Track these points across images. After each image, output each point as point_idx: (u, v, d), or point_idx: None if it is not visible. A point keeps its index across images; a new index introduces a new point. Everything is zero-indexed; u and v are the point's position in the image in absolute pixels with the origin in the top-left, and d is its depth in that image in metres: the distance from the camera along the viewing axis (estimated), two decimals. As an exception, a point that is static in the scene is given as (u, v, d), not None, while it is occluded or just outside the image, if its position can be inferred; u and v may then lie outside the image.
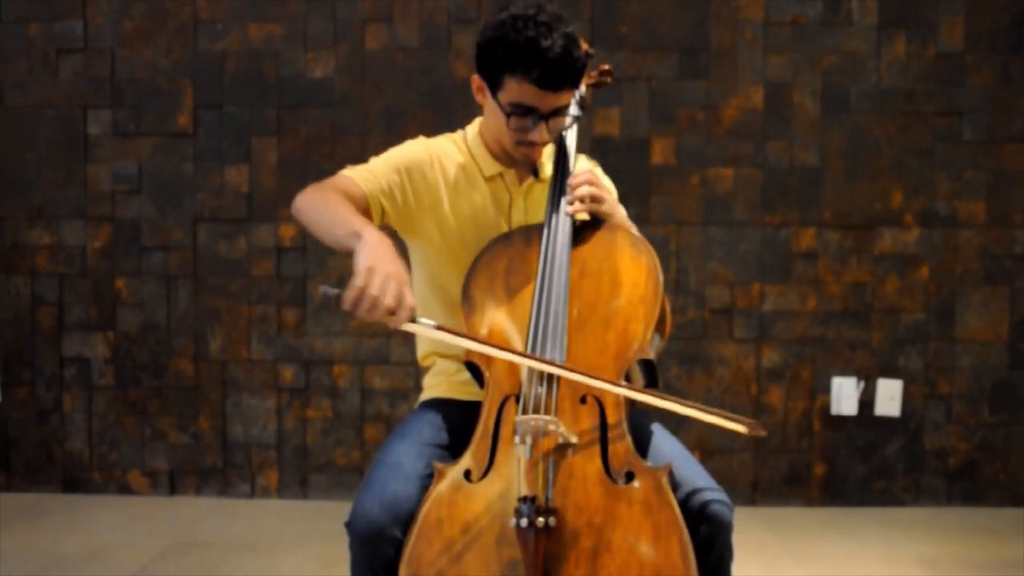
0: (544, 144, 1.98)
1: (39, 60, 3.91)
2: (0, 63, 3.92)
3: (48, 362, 3.97)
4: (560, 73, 1.85)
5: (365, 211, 1.92)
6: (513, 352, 1.75)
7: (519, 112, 1.90)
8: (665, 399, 1.71)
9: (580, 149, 2.16)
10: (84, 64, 3.91)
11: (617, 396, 1.74)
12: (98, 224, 3.94)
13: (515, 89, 1.88)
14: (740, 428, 1.69)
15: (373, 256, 1.61)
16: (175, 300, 3.95)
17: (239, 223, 3.93)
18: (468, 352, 1.81)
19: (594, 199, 1.93)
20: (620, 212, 2.00)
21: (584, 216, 1.94)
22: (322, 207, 1.81)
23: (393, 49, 3.90)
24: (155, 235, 3.94)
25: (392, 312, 1.58)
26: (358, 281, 1.57)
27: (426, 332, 1.64)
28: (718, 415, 1.70)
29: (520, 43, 1.84)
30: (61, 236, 3.95)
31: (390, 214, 1.98)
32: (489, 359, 1.79)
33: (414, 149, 2.04)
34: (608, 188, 2.14)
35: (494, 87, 1.92)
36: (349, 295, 1.57)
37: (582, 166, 2.12)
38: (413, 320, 1.61)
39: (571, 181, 1.96)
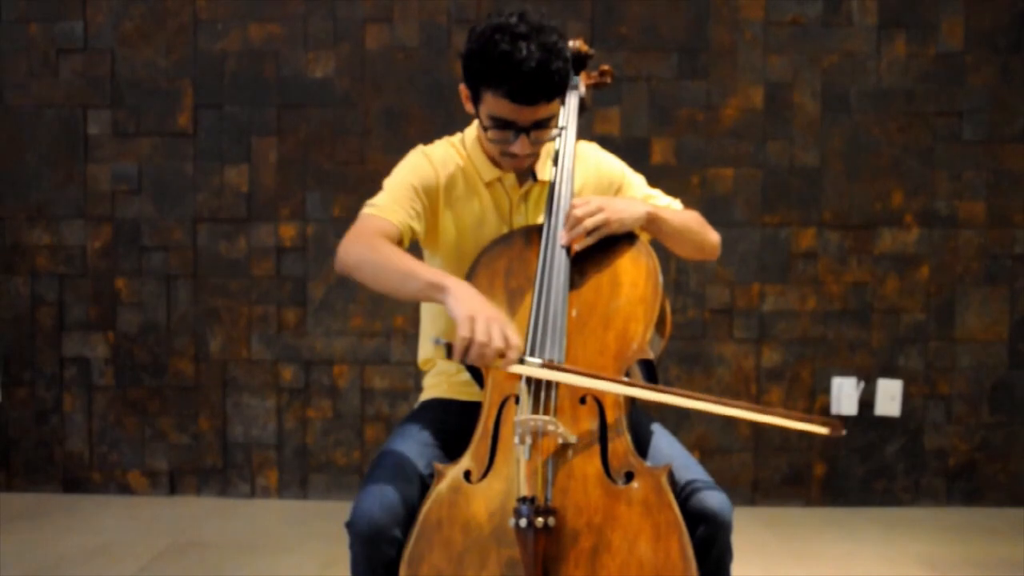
0: (528, 156, 1.94)
1: (39, 60, 3.91)
2: (0, 63, 3.92)
3: (48, 362, 3.97)
4: (534, 87, 1.80)
5: (399, 242, 1.90)
6: (629, 385, 1.73)
7: (497, 125, 1.87)
8: (739, 407, 1.71)
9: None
10: (84, 64, 3.91)
11: (617, 396, 1.74)
12: (98, 224, 3.94)
13: (491, 102, 1.84)
14: (822, 430, 1.68)
15: (469, 304, 1.65)
16: (175, 300, 3.95)
17: (239, 223, 3.93)
18: None
19: (597, 228, 1.87)
20: (628, 212, 1.92)
21: (594, 236, 1.88)
22: (380, 263, 1.79)
23: (393, 49, 3.90)
24: (155, 235, 3.94)
25: (502, 354, 1.63)
26: (463, 331, 1.62)
27: (534, 372, 1.68)
28: (797, 419, 1.69)
29: (494, 57, 1.79)
30: (61, 236, 3.95)
31: (420, 235, 1.98)
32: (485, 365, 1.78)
33: (420, 164, 2.02)
34: (618, 171, 2.11)
35: (475, 99, 1.90)
36: (459, 346, 1.62)
37: (583, 153, 2.10)
38: (522, 361, 1.66)
39: (563, 238, 1.87)
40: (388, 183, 1.99)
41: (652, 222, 1.95)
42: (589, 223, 1.87)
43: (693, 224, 2.06)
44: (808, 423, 1.69)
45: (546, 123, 1.89)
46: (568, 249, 1.87)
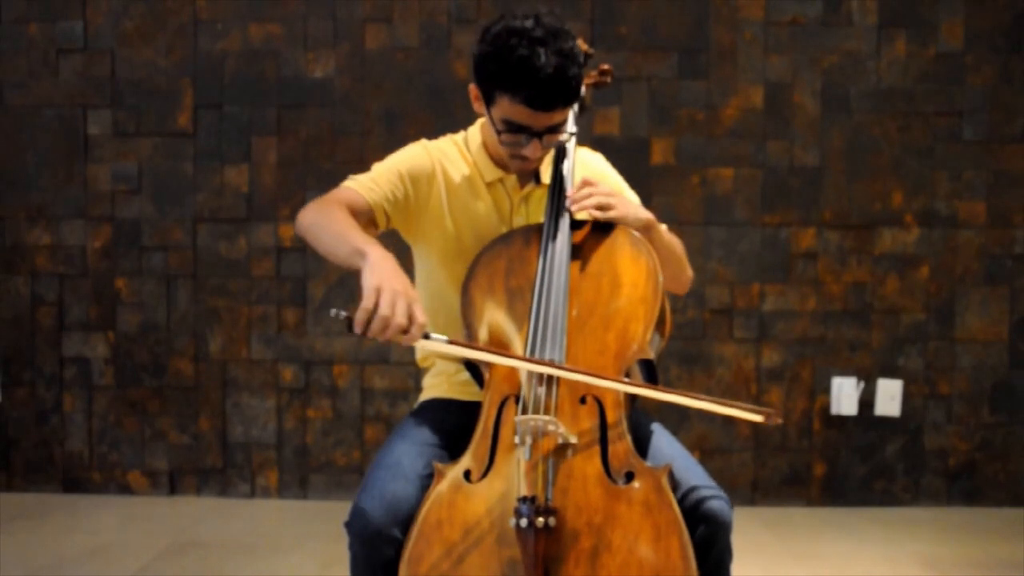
0: (539, 159, 1.95)
1: (39, 60, 3.91)
2: (0, 63, 3.92)
3: (48, 362, 3.97)
4: (552, 94, 1.80)
5: (371, 220, 1.91)
6: (533, 361, 1.72)
7: (511, 129, 1.87)
8: (677, 394, 1.72)
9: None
10: (84, 64, 3.91)
11: (617, 396, 1.73)
12: (98, 224, 3.94)
13: (507, 107, 1.84)
14: (756, 418, 1.69)
15: (379, 275, 1.60)
16: (175, 300, 3.95)
17: (239, 223, 3.93)
18: None
19: (600, 207, 1.89)
20: (633, 208, 1.94)
21: (596, 215, 1.89)
22: (325, 225, 1.78)
23: (393, 49, 3.90)
24: (155, 235, 3.94)
25: (404, 330, 1.57)
26: (367, 302, 1.57)
27: (439, 348, 1.65)
28: (732, 406, 1.69)
29: (511, 62, 1.79)
30: (61, 236, 3.95)
31: (395, 219, 1.97)
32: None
33: (416, 153, 2.03)
34: (614, 182, 2.13)
35: (487, 101, 1.89)
36: (359, 317, 1.57)
37: (584, 160, 2.11)
38: (426, 336, 1.61)
39: (570, 196, 1.91)
40: (376, 165, 2.01)
41: (649, 230, 1.96)
42: (599, 197, 1.88)
43: (679, 251, 2.07)
44: (743, 411, 1.69)
45: (559, 127, 1.89)
46: (569, 213, 1.89)
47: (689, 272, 2.12)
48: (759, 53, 3.89)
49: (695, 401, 1.72)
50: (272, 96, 3.91)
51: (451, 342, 1.65)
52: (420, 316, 1.59)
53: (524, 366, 1.73)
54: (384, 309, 1.56)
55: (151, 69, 3.91)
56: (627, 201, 1.96)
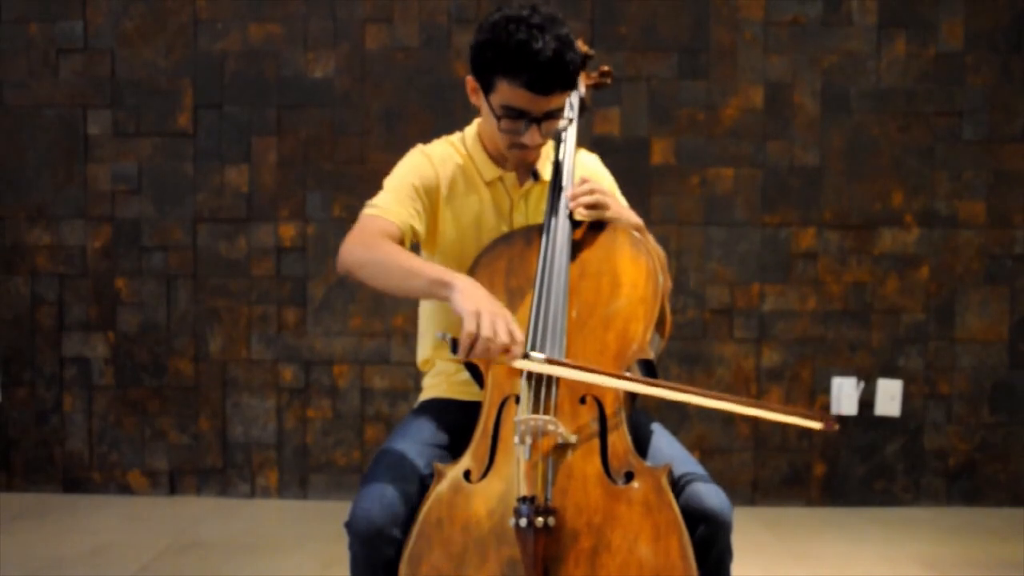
0: (537, 147, 1.96)
1: (39, 60, 3.91)
2: (0, 63, 3.92)
3: (48, 362, 3.97)
4: (551, 77, 1.83)
5: (400, 242, 1.92)
6: (624, 378, 1.73)
7: (510, 115, 1.89)
8: (728, 400, 1.72)
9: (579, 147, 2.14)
10: (84, 64, 3.91)
11: (616, 396, 1.74)
12: (98, 224, 3.94)
13: (506, 92, 1.86)
14: (815, 425, 1.69)
15: (474, 299, 1.67)
16: (175, 300, 3.95)
17: (239, 223, 3.93)
18: None
19: (597, 206, 1.91)
20: (626, 212, 1.98)
21: (591, 214, 1.92)
22: (383, 261, 1.80)
23: (393, 49, 3.90)
24: (155, 235, 3.94)
25: (507, 349, 1.64)
26: (469, 327, 1.63)
27: (538, 367, 1.69)
28: (788, 412, 1.70)
29: (511, 46, 1.82)
30: (61, 236, 3.95)
31: (421, 234, 1.98)
32: (488, 360, 1.78)
33: (420, 163, 2.03)
34: (609, 185, 2.13)
35: (486, 89, 1.91)
36: (464, 341, 1.63)
37: (582, 161, 2.11)
38: (526, 356, 1.67)
39: (570, 193, 1.93)
40: (388, 183, 1.99)
41: (642, 233, 1.97)
42: (598, 196, 1.91)
43: (663, 261, 2.05)
44: (802, 417, 1.69)
45: (556, 114, 1.91)
46: (572, 221, 1.91)
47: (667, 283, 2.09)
48: (759, 53, 3.89)
49: (749, 408, 1.71)
50: (272, 96, 3.91)
51: (549, 360, 1.69)
52: (519, 334, 1.65)
53: (638, 389, 1.73)
54: (486, 331, 1.62)
55: (151, 69, 3.91)
56: (618, 203, 1.99)
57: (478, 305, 1.65)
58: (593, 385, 1.73)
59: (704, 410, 3.92)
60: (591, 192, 1.92)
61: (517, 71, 1.82)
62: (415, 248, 2.02)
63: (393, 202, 1.94)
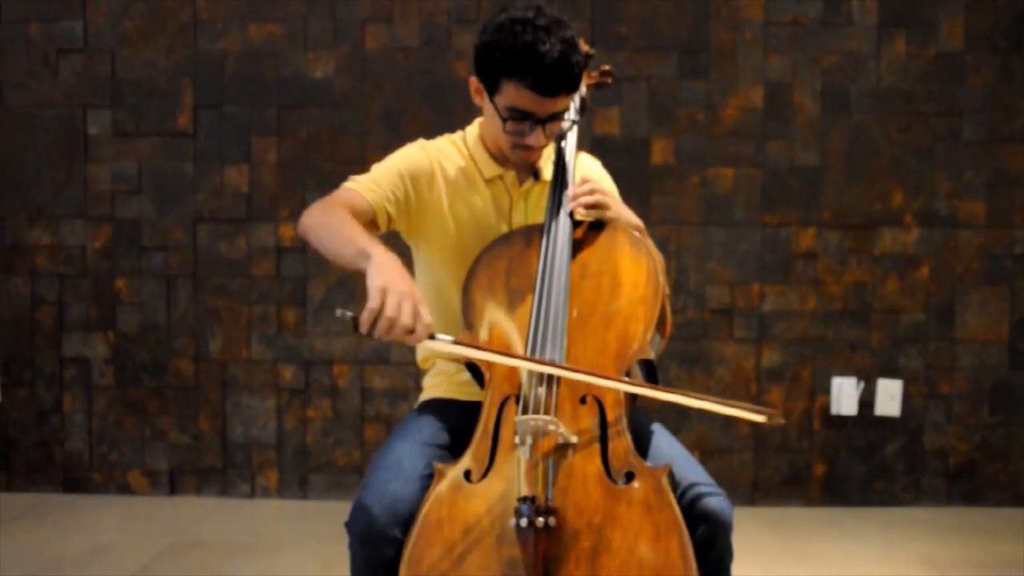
0: (541, 148, 1.97)
1: (39, 60, 3.91)
2: (0, 63, 3.92)
3: (48, 362, 3.97)
4: (557, 79, 1.83)
5: (372, 221, 1.93)
6: (537, 362, 1.73)
7: (516, 116, 1.89)
8: (679, 393, 1.71)
9: (580, 149, 2.15)
10: (84, 64, 3.91)
11: (617, 396, 1.74)
12: (98, 224, 3.94)
13: (512, 94, 1.87)
14: (758, 418, 1.68)
15: (385, 276, 1.62)
16: (175, 300, 3.95)
17: (239, 223, 3.93)
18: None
19: (598, 206, 1.92)
20: (626, 213, 1.98)
21: (591, 214, 1.93)
22: (329, 227, 1.80)
23: (393, 49, 3.90)
24: (155, 235, 3.94)
25: (410, 331, 1.59)
26: (372, 303, 1.58)
27: (445, 348, 1.66)
28: (733, 406, 1.69)
29: (517, 48, 1.82)
30: (61, 236, 3.95)
31: (396, 220, 1.98)
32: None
33: (414, 153, 2.04)
34: (609, 188, 2.14)
35: (491, 90, 1.91)
36: (365, 317, 1.58)
37: (583, 163, 2.12)
38: (432, 337, 1.62)
39: (571, 192, 1.94)
40: (376, 166, 2.02)
41: (642, 234, 1.97)
42: (599, 196, 1.91)
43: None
44: (745, 411, 1.68)
45: (561, 115, 1.92)
46: (573, 221, 1.92)
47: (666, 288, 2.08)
48: (759, 53, 3.89)
49: (696, 401, 1.72)
50: (272, 96, 3.91)
51: (456, 342, 1.65)
52: (426, 316, 1.61)
53: (525, 366, 1.73)
54: (390, 310, 1.58)
55: (151, 69, 3.91)
56: (619, 203, 1.99)
57: (385, 282, 1.60)
58: (593, 385, 1.73)
59: (704, 410, 3.91)
60: (592, 192, 1.92)
61: (523, 73, 1.83)
62: (394, 236, 2.03)
63: (371, 181, 1.97)
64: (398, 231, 2.03)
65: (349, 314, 1.58)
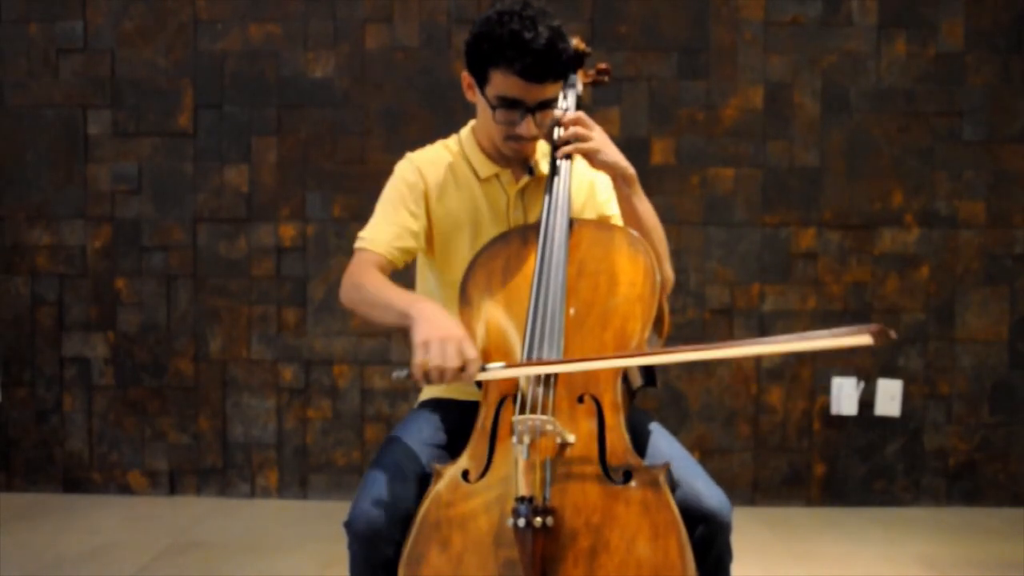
0: (532, 138, 1.97)
1: (39, 60, 3.92)
2: (0, 63, 3.92)
3: (48, 362, 3.97)
4: (544, 65, 1.86)
5: (393, 268, 1.97)
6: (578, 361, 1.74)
7: (505, 105, 1.91)
8: (769, 343, 1.68)
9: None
10: (84, 64, 3.91)
11: (615, 395, 1.73)
12: (98, 224, 3.94)
13: (500, 82, 1.89)
14: (865, 340, 1.48)
15: (424, 329, 1.68)
16: (175, 300, 3.95)
17: (239, 223, 3.93)
18: None
19: (578, 137, 1.94)
20: (613, 151, 1.96)
21: (567, 149, 1.94)
22: (368, 302, 1.85)
23: (393, 49, 3.90)
24: (155, 235, 3.94)
25: (461, 370, 1.65)
26: (417, 358, 1.65)
27: (502, 375, 1.71)
28: (829, 337, 1.54)
29: (504, 36, 1.85)
30: (61, 236, 3.95)
31: (413, 248, 2.01)
32: (488, 359, 1.79)
33: (404, 172, 2.05)
34: (609, 191, 2.13)
35: (481, 81, 1.93)
36: (416, 373, 1.65)
37: (579, 168, 2.11)
38: (483, 369, 1.69)
39: (562, 120, 1.97)
40: (378, 205, 2.03)
41: (631, 184, 1.98)
42: (579, 129, 1.94)
43: (662, 235, 2.03)
44: (847, 336, 1.51)
45: (550, 104, 1.94)
46: (570, 220, 1.93)
47: (669, 271, 2.03)
48: (759, 53, 3.89)
49: (793, 345, 1.64)
50: (272, 96, 3.91)
51: (508, 366, 1.71)
52: (471, 353, 1.66)
53: (581, 368, 1.74)
54: (435, 359, 1.64)
55: (151, 69, 3.91)
56: (612, 145, 1.98)
57: (427, 335, 1.66)
58: (591, 384, 1.74)
59: (704, 410, 3.92)
60: (575, 121, 1.95)
61: (511, 60, 1.85)
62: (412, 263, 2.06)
63: (378, 230, 1.98)
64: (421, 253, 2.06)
65: (404, 374, 1.67)
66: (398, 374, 1.68)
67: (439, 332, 1.66)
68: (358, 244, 1.98)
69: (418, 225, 2.00)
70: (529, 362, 1.74)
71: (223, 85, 3.91)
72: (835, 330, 1.54)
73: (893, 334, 1.50)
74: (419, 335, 1.67)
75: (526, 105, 1.90)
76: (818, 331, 1.59)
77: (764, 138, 3.91)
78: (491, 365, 1.70)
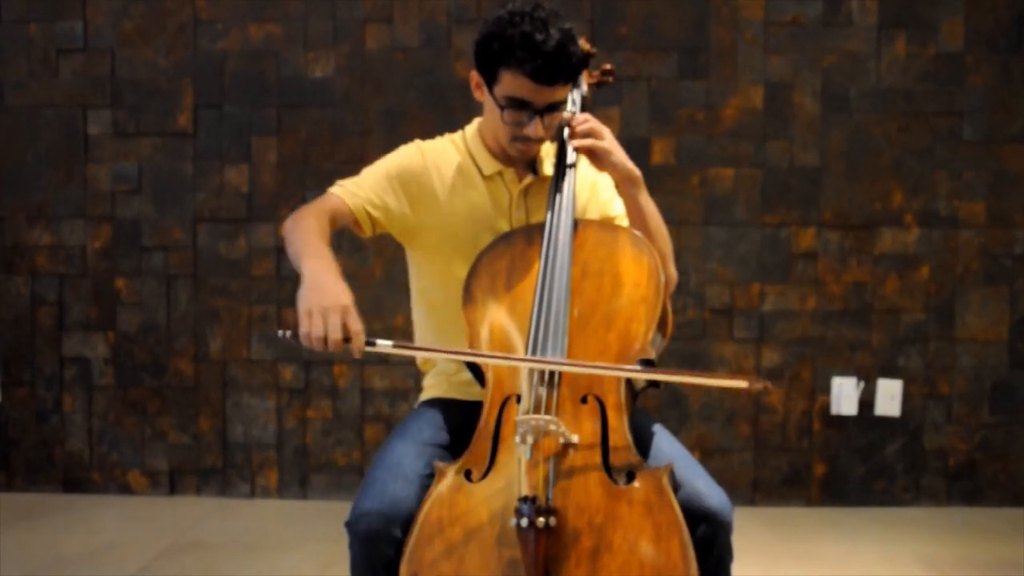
0: (540, 141, 1.97)
1: (39, 60, 3.91)
2: (0, 63, 3.92)
3: (48, 362, 3.97)
4: (554, 67, 1.85)
5: (355, 225, 1.96)
6: (460, 353, 1.78)
7: (514, 106, 1.90)
8: (656, 373, 1.74)
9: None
10: (84, 64, 3.91)
11: (618, 396, 1.74)
12: (98, 224, 3.94)
13: (510, 82, 1.88)
14: (740, 384, 1.66)
15: (309, 296, 1.66)
16: (175, 300, 3.95)
17: (239, 223, 3.93)
18: None
19: (592, 133, 1.93)
20: (622, 154, 1.96)
21: (584, 143, 1.94)
22: (294, 239, 1.84)
23: (393, 49, 3.90)
24: (155, 235, 3.94)
25: (346, 340, 1.63)
26: (302, 328, 1.63)
27: (387, 351, 1.69)
28: (713, 376, 1.71)
29: (515, 37, 1.85)
30: (61, 236, 3.95)
31: (383, 224, 2.00)
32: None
33: (408, 154, 2.05)
34: (610, 192, 2.13)
35: (490, 82, 1.93)
36: (302, 341, 1.63)
37: (584, 162, 2.11)
38: (371, 344, 1.66)
39: (572, 121, 1.97)
40: (368, 168, 2.03)
41: (637, 186, 1.97)
42: (592, 123, 1.94)
43: (666, 235, 2.03)
44: (724, 380, 1.72)
45: (559, 106, 1.94)
46: (574, 220, 1.92)
47: (673, 270, 2.03)
48: (759, 53, 3.89)
49: (676, 377, 1.72)
50: (272, 96, 3.91)
51: (397, 345, 1.70)
52: (355, 325, 1.64)
53: (458, 358, 1.79)
54: (317, 329, 1.61)
55: (151, 69, 3.91)
56: (621, 150, 1.98)
57: (310, 303, 1.64)
58: (594, 385, 1.74)
59: (704, 410, 3.92)
60: (587, 120, 1.95)
61: (521, 61, 1.85)
62: (388, 238, 2.05)
63: (354, 184, 1.98)
64: (390, 233, 2.04)
65: (289, 334, 1.64)
66: (283, 335, 1.65)
67: (323, 301, 1.64)
68: (332, 188, 1.98)
69: (397, 208, 1.99)
70: (412, 346, 1.76)
71: (223, 85, 3.91)
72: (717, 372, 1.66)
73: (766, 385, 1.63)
74: (303, 303, 1.65)
75: (535, 107, 1.90)
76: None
77: (764, 138, 3.91)
78: (380, 341, 1.67)
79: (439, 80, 3.88)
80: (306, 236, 1.81)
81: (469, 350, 1.82)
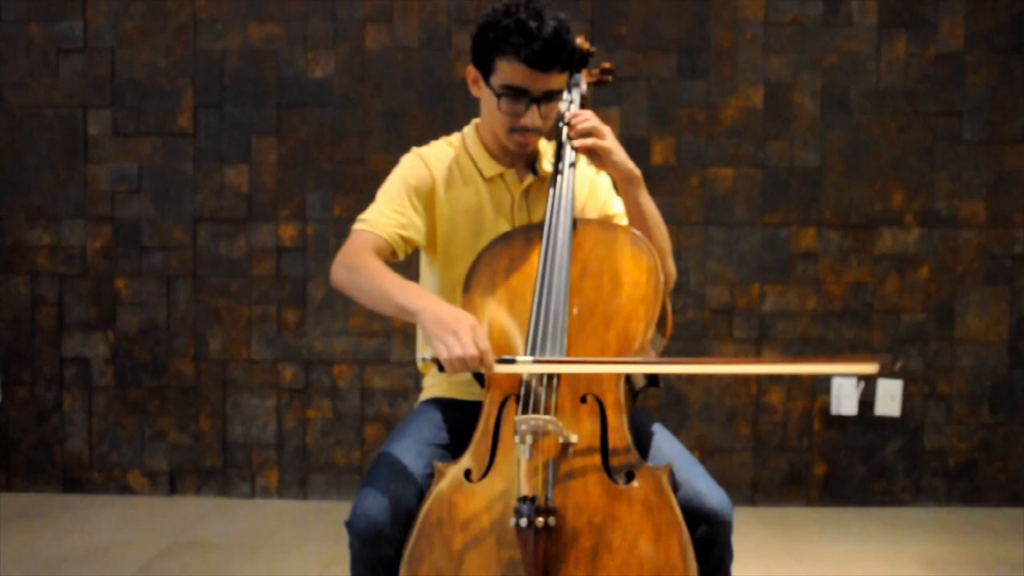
0: (536, 131, 1.97)
1: (39, 60, 3.91)
2: (0, 63, 3.92)
3: (48, 362, 3.97)
4: (550, 53, 1.87)
5: (391, 254, 1.94)
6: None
7: (510, 94, 1.91)
8: (765, 363, 1.72)
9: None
10: (84, 64, 3.91)
11: (618, 396, 1.74)
12: (98, 224, 3.94)
13: (506, 70, 1.90)
14: (870, 369, 1.57)
15: (435, 327, 1.68)
16: (175, 300, 3.95)
17: (239, 223, 3.93)
18: None
19: (593, 132, 1.94)
20: (622, 153, 1.97)
21: (585, 142, 1.94)
22: (361, 285, 1.83)
23: (393, 49, 3.90)
24: (155, 235, 3.94)
25: (481, 357, 1.66)
26: (440, 354, 1.66)
27: (526, 369, 1.72)
28: (836, 362, 1.68)
29: (511, 25, 1.87)
30: (61, 236, 3.95)
31: (416, 242, 2.00)
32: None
33: (412, 165, 2.04)
34: (609, 192, 2.13)
35: (487, 72, 1.94)
36: (446, 366, 1.66)
37: (584, 161, 2.11)
38: (501, 360, 1.70)
39: (572, 120, 1.96)
40: (381, 192, 2.02)
41: (637, 185, 1.97)
42: (593, 122, 1.95)
43: (665, 233, 2.03)
44: (850, 363, 1.66)
45: (555, 95, 1.94)
46: (573, 220, 1.93)
47: (672, 267, 2.04)
48: (759, 53, 3.89)
49: (795, 367, 1.70)
50: (272, 96, 3.91)
51: (537, 361, 1.72)
52: (483, 343, 1.67)
53: (627, 369, 1.75)
54: (455, 351, 1.64)
55: (151, 69, 3.91)
56: (622, 149, 1.98)
57: (441, 330, 1.66)
58: (594, 384, 1.74)
59: (704, 410, 3.92)
60: (588, 119, 1.95)
61: (517, 48, 1.87)
62: (416, 255, 2.03)
63: (381, 214, 1.96)
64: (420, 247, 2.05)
65: (429, 358, 1.70)
66: (425, 359, 1.71)
67: (452, 325, 1.66)
68: (358, 225, 1.95)
69: (421, 221, 1.99)
70: (542, 361, 1.73)
71: (223, 85, 3.91)
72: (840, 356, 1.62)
73: (899, 365, 1.57)
74: (434, 331, 1.67)
75: (531, 95, 1.90)
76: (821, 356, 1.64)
77: (764, 138, 3.91)
78: (503, 358, 1.70)
79: (439, 80, 3.88)
80: (386, 277, 1.81)
81: (592, 359, 1.80)
